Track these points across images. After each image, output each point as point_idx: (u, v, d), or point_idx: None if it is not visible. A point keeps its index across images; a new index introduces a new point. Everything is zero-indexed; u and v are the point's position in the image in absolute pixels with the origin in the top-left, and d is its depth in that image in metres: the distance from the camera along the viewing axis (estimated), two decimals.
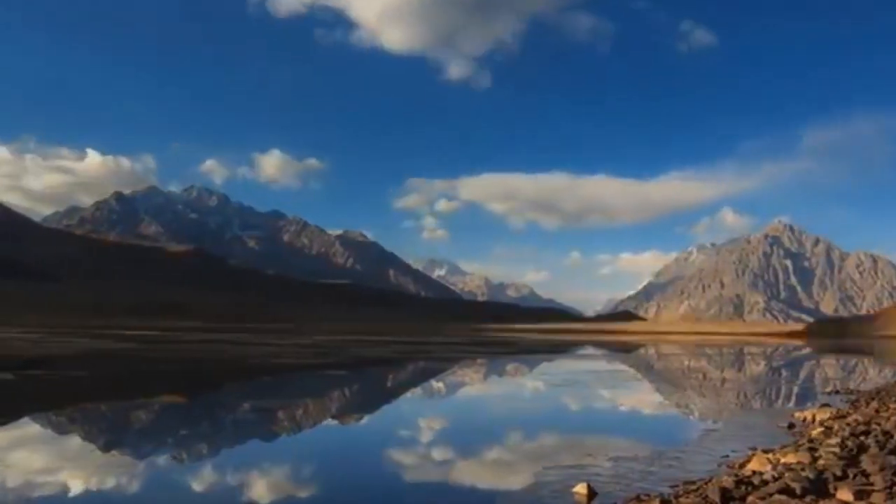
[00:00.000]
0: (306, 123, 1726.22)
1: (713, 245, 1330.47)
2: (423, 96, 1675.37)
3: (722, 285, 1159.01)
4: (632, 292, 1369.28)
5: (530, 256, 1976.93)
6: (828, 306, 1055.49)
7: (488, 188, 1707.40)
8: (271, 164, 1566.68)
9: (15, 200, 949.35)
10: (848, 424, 17.02)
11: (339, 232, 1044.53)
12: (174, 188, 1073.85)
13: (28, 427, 18.10)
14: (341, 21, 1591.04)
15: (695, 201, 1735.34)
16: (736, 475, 11.50)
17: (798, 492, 9.82)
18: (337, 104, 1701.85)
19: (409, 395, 30.24)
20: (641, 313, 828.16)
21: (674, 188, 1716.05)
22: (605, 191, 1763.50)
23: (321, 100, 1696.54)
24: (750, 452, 14.09)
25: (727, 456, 14.20)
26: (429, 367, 47.62)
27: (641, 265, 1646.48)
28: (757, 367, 56.28)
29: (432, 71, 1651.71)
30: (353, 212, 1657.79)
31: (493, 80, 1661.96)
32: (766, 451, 13.73)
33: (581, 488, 11.05)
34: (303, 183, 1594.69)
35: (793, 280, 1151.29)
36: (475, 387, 34.82)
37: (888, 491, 9.66)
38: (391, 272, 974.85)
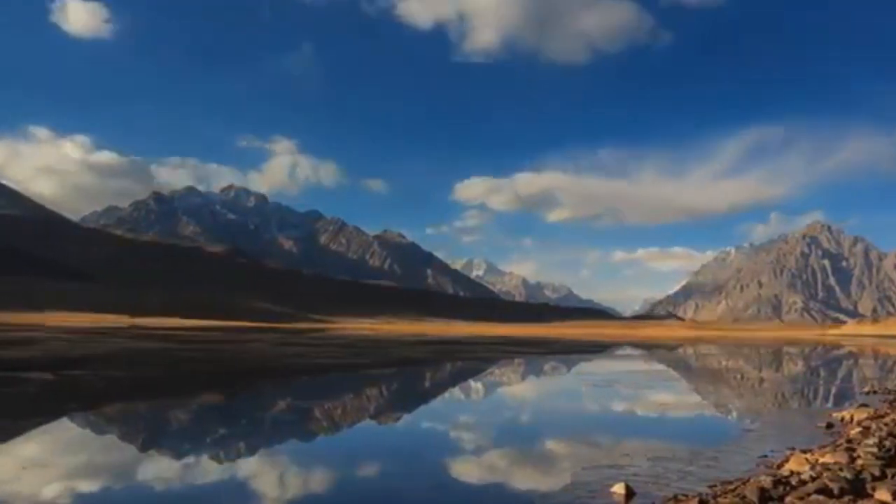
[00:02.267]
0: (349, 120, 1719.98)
1: (751, 245, 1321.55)
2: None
3: (760, 285, 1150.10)
4: (670, 292, 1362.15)
5: (568, 256, 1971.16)
6: (865, 307, 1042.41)
7: (528, 187, 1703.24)
8: (307, 164, 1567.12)
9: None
10: (886, 424, 16.93)
11: (378, 232, 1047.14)
12: (213, 188, 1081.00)
13: (67, 427, 18.19)
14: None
15: (735, 201, 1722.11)
16: (774, 475, 11.51)
17: (836, 492, 9.85)
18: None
19: (447, 394, 30.31)
20: (679, 313, 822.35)
21: (714, 188, 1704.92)
22: (645, 190, 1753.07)
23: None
24: (788, 452, 14.09)
25: (765, 456, 14.19)
26: (467, 367, 47.62)
27: (680, 265, 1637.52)
28: (794, 367, 55.87)
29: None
30: (392, 212, 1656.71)
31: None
32: (804, 451, 13.73)
33: (619, 488, 11.13)
34: (343, 183, 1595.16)
35: (831, 280, 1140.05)
36: (513, 387, 34.81)
37: None
38: (429, 272, 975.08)
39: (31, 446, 15.17)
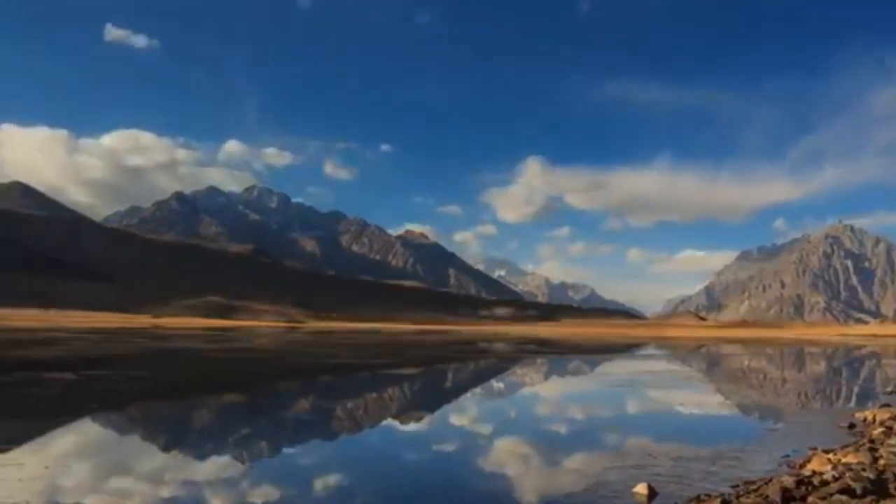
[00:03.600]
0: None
1: (774, 245, 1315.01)
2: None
3: (782, 285, 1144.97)
4: (692, 292, 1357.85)
5: (591, 256, 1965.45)
6: (888, 307, 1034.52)
7: (551, 185, 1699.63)
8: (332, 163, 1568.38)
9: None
10: None
11: (400, 232, 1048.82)
12: (235, 188, 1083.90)
13: (89, 427, 18.30)
14: None
15: (759, 201, 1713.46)
16: (796, 475, 11.56)
17: (858, 492, 9.89)
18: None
19: (470, 394, 30.38)
20: (702, 313, 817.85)
21: (738, 188, 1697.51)
22: (668, 188, 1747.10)
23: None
24: (810, 452, 14.11)
25: (787, 456, 14.21)
26: (489, 367, 47.74)
27: (702, 265, 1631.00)
28: (817, 367, 55.65)
29: None
30: (413, 209, 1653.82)
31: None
32: (826, 451, 13.76)
33: (641, 488, 11.19)
34: (365, 177, 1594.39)
35: (853, 280, 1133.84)
36: (536, 387, 34.86)
37: None
38: (451, 272, 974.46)
39: (53, 446, 15.25)
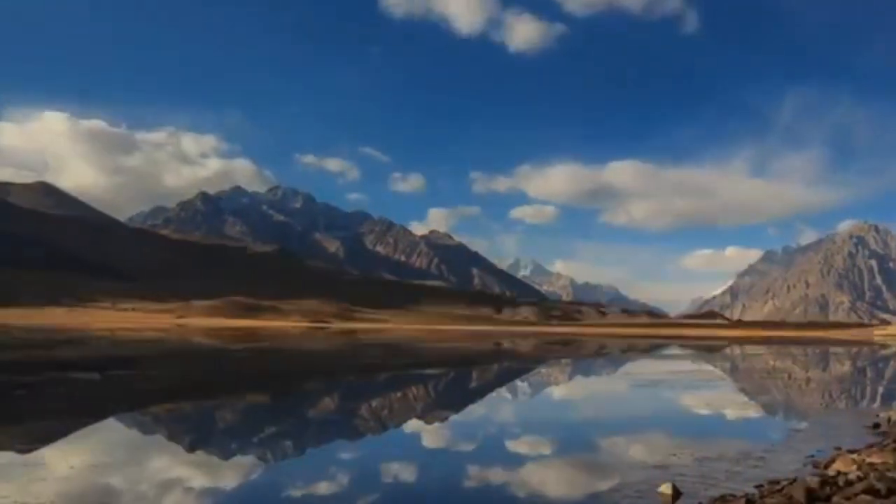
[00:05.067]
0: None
1: (799, 245, 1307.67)
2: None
3: (807, 285, 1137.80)
4: (717, 292, 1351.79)
5: (616, 256, 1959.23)
6: None
7: (575, 184, 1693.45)
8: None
9: None
10: None
11: (425, 232, 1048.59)
12: (259, 188, 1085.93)
13: (113, 427, 18.41)
14: None
15: (783, 201, 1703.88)
16: (821, 475, 11.57)
17: (883, 492, 9.88)
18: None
19: (494, 394, 30.46)
20: (726, 313, 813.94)
21: (760, 188, 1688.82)
22: (693, 190, 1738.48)
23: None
24: (835, 452, 14.09)
25: (812, 456, 14.18)
26: (514, 367, 47.77)
27: (727, 264, 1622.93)
28: (841, 367, 55.36)
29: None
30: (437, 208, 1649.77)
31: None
32: (851, 451, 13.74)
33: (666, 488, 11.21)
34: (388, 180, 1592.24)
35: (878, 280, 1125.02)
36: (560, 387, 34.83)
37: None
38: (475, 272, 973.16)
39: (79, 447, 15.32)
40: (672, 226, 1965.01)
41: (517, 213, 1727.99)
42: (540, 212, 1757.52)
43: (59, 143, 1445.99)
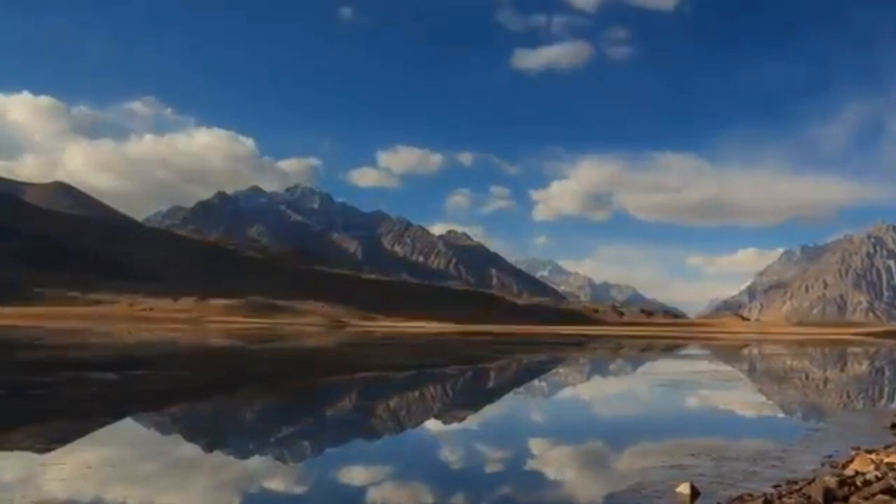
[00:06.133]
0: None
1: (816, 245, 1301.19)
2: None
3: (825, 286, 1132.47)
4: (735, 292, 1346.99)
5: (634, 255, 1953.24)
6: None
7: (594, 183, 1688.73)
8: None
9: None
10: None
11: (443, 232, 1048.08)
12: (277, 188, 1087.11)
13: (130, 427, 18.46)
14: None
15: (801, 201, 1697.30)
16: (839, 475, 11.57)
17: None
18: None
19: (512, 394, 30.55)
20: (744, 313, 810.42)
21: (780, 188, 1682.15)
22: (711, 190, 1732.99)
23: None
24: (853, 452, 14.11)
25: (830, 456, 14.21)
26: (531, 367, 47.81)
27: (745, 265, 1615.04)
28: (859, 367, 55.21)
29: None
30: (453, 209, 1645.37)
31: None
32: (869, 451, 13.75)
33: (684, 488, 11.25)
34: (407, 178, 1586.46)
35: None
36: (578, 387, 34.89)
37: None
38: (493, 272, 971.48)
39: (96, 446, 15.35)
40: (690, 225, 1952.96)
41: (534, 210, 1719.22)
42: (557, 211, 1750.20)
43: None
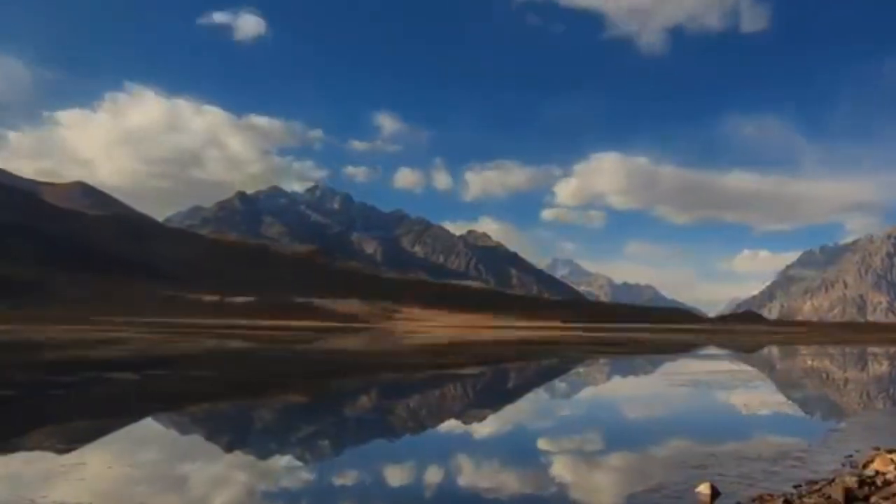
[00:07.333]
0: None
1: (836, 245, 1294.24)
2: None
3: (845, 286, 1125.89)
4: (755, 292, 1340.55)
5: (654, 256, 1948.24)
6: None
7: (612, 182, 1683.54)
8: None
9: None
10: None
11: (463, 232, 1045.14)
12: (298, 188, 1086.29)
13: (150, 427, 18.61)
14: None
15: (821, 201, 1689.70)
16: (859, 475, 11.61)
17: None
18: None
19: (533, 395, 30.54)
20: (764, 313, 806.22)
21: (800, 188, 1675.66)
22: (730, 188, 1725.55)
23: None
24: (873, 452, 14.11)
25: (850, 456, 14.24)
26: (552, 367, 47.71)
27: (764, 265, 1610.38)
28: (879, 367, 54.95)
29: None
30: (472, 207, 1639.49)
31: None
32: (889, 451, 13.76)
33: (704, 488, 11.32)
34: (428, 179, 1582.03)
35: None
36: (599, 387, 34.84)
37: None
38: (514, 272, 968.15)
39: (116, 446, 15.54)
40: (709, 226, 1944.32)
41: (547, 213, 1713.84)
42: (578, 212, 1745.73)
43: None
